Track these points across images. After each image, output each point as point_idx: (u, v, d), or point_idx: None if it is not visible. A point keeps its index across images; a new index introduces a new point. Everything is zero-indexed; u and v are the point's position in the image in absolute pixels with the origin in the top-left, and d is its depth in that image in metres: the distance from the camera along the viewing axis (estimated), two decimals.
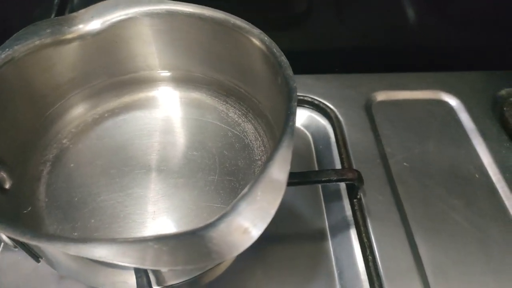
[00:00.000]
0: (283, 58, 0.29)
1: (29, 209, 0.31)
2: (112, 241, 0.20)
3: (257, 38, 0.31)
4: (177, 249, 0.20)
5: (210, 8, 0.32)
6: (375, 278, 0.34)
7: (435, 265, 0.35)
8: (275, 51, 0.30)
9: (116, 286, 0.28)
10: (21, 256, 0.37)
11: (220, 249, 0.20)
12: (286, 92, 0.27)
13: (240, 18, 0.32)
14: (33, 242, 0.19)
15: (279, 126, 0.33)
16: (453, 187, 0.41)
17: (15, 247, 0.25)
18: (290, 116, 0.25)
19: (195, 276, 0.32)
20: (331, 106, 0.48)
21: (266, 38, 0.30)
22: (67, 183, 0.33)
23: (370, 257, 0.35)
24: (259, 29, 0.31)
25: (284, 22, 0.54)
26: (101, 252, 0.19)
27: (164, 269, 0.19)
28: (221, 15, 0.32)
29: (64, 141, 0.35)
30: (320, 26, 0.54)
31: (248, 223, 0.21)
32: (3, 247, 0.38)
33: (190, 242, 0.20)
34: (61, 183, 0.33)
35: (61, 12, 0.47)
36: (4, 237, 0.24)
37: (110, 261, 0.19)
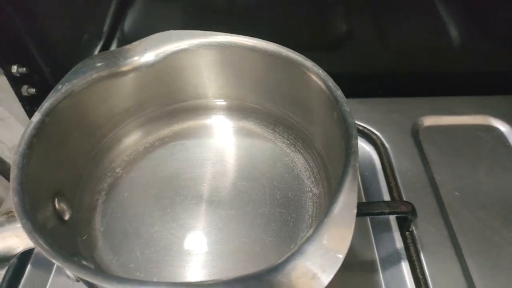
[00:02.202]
0: (339, 93, 0.29)
1: (85, 237, 0.31)
2: (183, 285, 0.19)
3: (311, 72, 0.31)
4: None
5: (262, 40, 0.33)
6: None
7: None
8: (331, 85, 0.29)
9: None
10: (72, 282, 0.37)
11: None
12: (343, 129, 0.27)
13: (293, 51, 0.32)
14: (106, 286, 0.19)
15: (330, 159, 0.33)
16: (508, 218, 0.39)
17: (78, 281, 0.25)
18: (351, 155, 0.24)
19: None
20: (376, 132, 0.47)
21: (320, 72, 0.30)
22: (122, 212, 0.33)
23: None
24: (312, 62, 0.31)
25: (324, 45, 0.54)
26: None
27: None
28: (273, 47, 0.32)
29: (118, 170, 0.36)
30: (361, 49, 0.53)
31: (317, 268, 0.21)
32: (55, 271, 0.38)
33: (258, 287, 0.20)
34: (116, 212, 0.33)
35: (109, 42, 0.49)
36: (69, 272, 0.24)
37: None
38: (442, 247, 0.37)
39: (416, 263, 0.36)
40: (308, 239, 0.21)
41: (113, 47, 0.50)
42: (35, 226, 0.23)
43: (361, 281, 0.37)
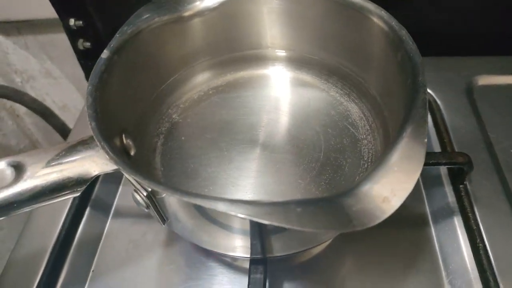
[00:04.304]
0: (404, 32, 0.28)
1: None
2: (259, 202, 0.20)
3: (373, 14, 0.30)
4: (318, 213, 0.20)
5: None
6: (486, 267, 0.32)
7: None
8: (395, 25, 0.29)
9: (230, 250, 0.30)
10: (129, 224, 0.39)
11: (360, 216, 0.20)
12: (409, 68, 0.27)
13: None
14: (187, 199, 0.20)
15: (389, 105, 0.33)
16: None
17: (147, 207, 0.26)
18: (421, 88, 0.24)
19: (303, 250, 0.33)
20: (428, 90, 0.46)
21: (383, 13, 0.30)
22: (180, 154, 0.34)
23: (480, 244, 0.33)
24: (375, 4, 0.31)
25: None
26: (249, 210, 0.20)
27: (309, 230, 0.19)
28: None
29: (174, 116, 0.37)
30: (414, 9, 0.52)
31: (387, 192, 0.21)
32: (113, 214, 0.41)
33: (330, 208, 0.20)
34: (174, 154, 0.34)
35: None
36: (139, 198, 0.26)
37: (257, 220, 0.20)
38: (497, 201, 0.36)
39: (470, 215, 0.35)
40: (379, 166, 0.22)
41: None
42: (112, 149, 0.24)
43: (411, 234, 0.37)
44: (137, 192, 0.25)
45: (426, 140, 0.22)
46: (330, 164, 0.33)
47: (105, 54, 0.30)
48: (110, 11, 0.51)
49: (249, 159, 0.34)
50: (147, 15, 0.33)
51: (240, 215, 0.20)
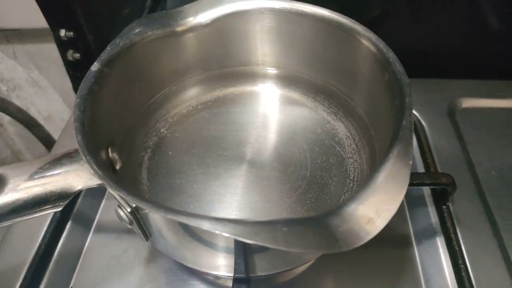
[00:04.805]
0: (392, 54, 0.29)
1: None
2: (245, 221, 0.20)
3: (362, 36, 0.31)
4: (305, 233, 0.20)
5: (314, 5, 0.33)
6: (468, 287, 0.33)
7: None
8: (382, 47, 0.30)
9: (214, 269, 0.29)
10: (111, 238, 0.39)
11: (346, 237, 0.20)
12: (396, 89, 0.27)
13: (344, 15, 0.32)
14: (172, 217, 0.20)
15: (375, 125, 0.33)
16: None
17: (131, 224, 0.26)
18: (407, 110, 0.25)
19: (287, 270, 0.33)
20: (413, 111, 0.46)
21: (372, 35, 0.31)
22: (166, 169, 0.34)
23: (462, 266, 0.34)
24: (363, 26, 0.31)
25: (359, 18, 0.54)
26: (235, 229, 0.20)
27: (295, 250, 0.19)
28: (326, 13, 0.32)
29: (162, 130, 0.37)
30: (397, 30, 0.53)
31: (372, 213, 0.21)
32: (94, 229, 0.40)
33: (317, 228, 0.20)
34: (161, 169, 0.34)
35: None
36: (122, 214, 0.25)
37: (243, 240, 0.19)
38: (479, 222, 0.37)
39: (452, 236, 0.36)
40: (365, 187, 0.22)
41: None
42: (97, 163, 0.24)
43: (395, 254, 0.37)
44: (120, 208, 0.25)
45: (411, 162, 0.23)
46: (316, 183, 0.33)
47: (95, 66, 0.30)
48: (101, 24, 0.51)
49: (236, 175, 0.34)
50: (140, 29, 0.33)
51: (226, 234, 0.20)
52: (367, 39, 0.30)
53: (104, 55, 0.30)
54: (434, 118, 0.46)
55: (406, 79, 0.27)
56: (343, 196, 0.32)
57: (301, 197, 0.32)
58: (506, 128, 0.45)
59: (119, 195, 0.23)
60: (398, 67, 0.28)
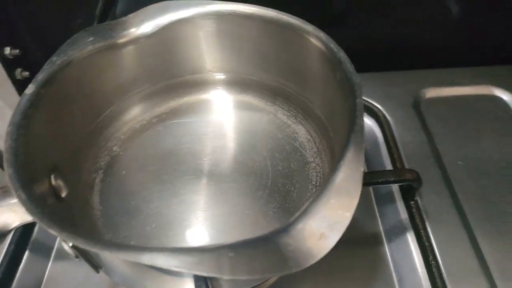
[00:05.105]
0: (342, 54, 0.28)
1: (84, 217, 0.30)
2: (187, 250, 0.19)
3: (311, 35, 0.30)
4: (253, 257, 0.19)
5: (260, 7, 0.32)
6: (439, 283, 0.32)
7: (501, 268, 0.33)
8: (333, 46, 0.29)
9: None
10: (72, 266, 0.37)
11: (296, 257, 0.19)
12: (348, 89, 0.26)
13: (292, 15, 0.31)
14: (105, 253, 0.19)
15: (333, 126, 0.32)
16: None
17: (77, 257, 0.24)
18: (357, 113, 0.24)
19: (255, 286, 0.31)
20: (377, 105, 0.46)
21: (322, 35, 0.29)
22: (120, 190, 0.32)
23: (433, 262, 0.33)
24: (313, 26, 0.30)
25: (322, 22, 0.53)
26: (175, 261, 0.18)
27: (242, 278, 0.18)
28: (272, 14, 0.31)
29: (114, 148, 0.35)
30: (360, 24, 0.53)
31: (324, 228, 0.20)
32: (54, 256, 0.38)
33: (266, 249, 0.19)
34: (114, 190, 0.32)
35: (103, 21, 0.47)
36: (66, 247, 0.24)
37: (186, 271, 0.18)
38: (447, 215, 0.36)
39: (422, 231, 0.35)
40: (315, 200, 0.21)
41: None
42: (30, 198, 0.22)
43: (366, 253, 0.36)
44: (64, 242, 0.23)
45: (363, 169, 0.21)
46: (278, 191, 0.32)
47: (30, 89, 0.28)
48: (50, 38, 0.49)
49: (195, 191, 0.32)
50: (78, 43, 0.31)
51: (166, 266, 0.18)
52: (317, 39, 0.29)
53: (40, 75, 0.28)
54: (399, 111, 0.45)
55: (357, 78, 0.26)
56: (306, 203, 0.31)
57: (263, 208, 0.31)
58: (470, 115, 0.45)
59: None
60: (349, 66, 0.27)
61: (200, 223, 0.31)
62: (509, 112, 0.45)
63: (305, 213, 0.20)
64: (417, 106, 0.46)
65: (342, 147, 0.23)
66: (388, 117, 0.45)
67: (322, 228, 0.20)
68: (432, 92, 0.47)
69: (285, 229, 0.20)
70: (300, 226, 0.20)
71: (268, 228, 0.29)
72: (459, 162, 0.41)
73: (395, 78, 0.49)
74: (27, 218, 0.23)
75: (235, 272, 0.18)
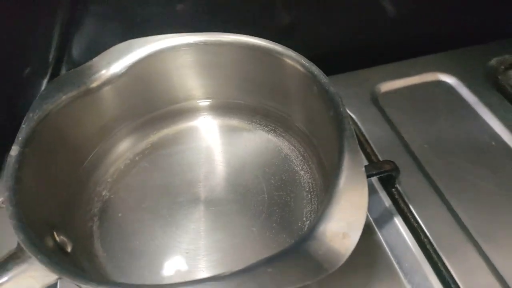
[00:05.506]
0: (315, 68, 0.31)
1: (93, 267, 0.30)
2: (224, 277, 0.19)
3: (284, 55, 0.32)
4: (291, 267, 0.20)
5: (229, 33, 0.33)
6: (436, 258, 0.35)
7: (482, 232, 0.36)
8: (304, 62, 0.31)
9: None
10: None
11: (328, 258, 0.20)
12: (327, 99, 0.28)
13: (260, 38, 0.33)
14: None
15: (316, 135, 0.34)
16: (475, 158, 0.43)
17: None
18: (344, 119, 0.26)
19: None
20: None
21: (292, 53, 0.32)
22: (120, 233, 0.32)
23: (425, 239, 0.36)
24: (283, 46, 0.32)
25: (272, 33, 0.56)
26: None
27: None
28: (239, 38, 0.33)
29: (104, 193, 0.34)
30: (308, 33, 0.56)
31: (344, 228, 0.22)
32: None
33: (300, 258, 0.20)
34: (114, 234, 0.32)
35: (58, 67, 0.46)
36: None
37: None
38: (427, 195, 0.39)
39: (408, 214, 0.38)
40: (328, 204, 0.22)
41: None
42: (51, 259, 0.21)
43: (362, 244, 0.38)
44: None
45: (363, 168, 0.23)
46: (276, 203, 0.33)
47: (14, 150, 0.27)
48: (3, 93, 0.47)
49: (195, 219, 0.33)
50: (52, 95, 0.31)
51: None
52: (289, 57, 0.31)
53: (21, 134, 0.28)
54: (361, 109, 0.48)
55: (333, 89, 0.28)
56: (304, 209, 0.33)
57: (265, 222, 0.32)
58: (423, 101, 0.49)
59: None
60: (324, 78, 0.29)
61: (207, 249, 0.31)
62: (454, 94, 0.50)
63: (322, 217, 0.22)
64: (376, 101, 0.49)
65: (339, 155, 0.24)
66: (353, 116, 0.48)
67: (343, 228, 0.22)
68: (386, 86, 0.51)
69: (309, 236, 0.21)
70: (322, 230, 0.21)
71: (277, 240, 0.31)
72: (425, 146, 0.44)
73: (350, 79, 0.52)
74: (48, 280, 0.23)
75: (279, 285, 0.19)
